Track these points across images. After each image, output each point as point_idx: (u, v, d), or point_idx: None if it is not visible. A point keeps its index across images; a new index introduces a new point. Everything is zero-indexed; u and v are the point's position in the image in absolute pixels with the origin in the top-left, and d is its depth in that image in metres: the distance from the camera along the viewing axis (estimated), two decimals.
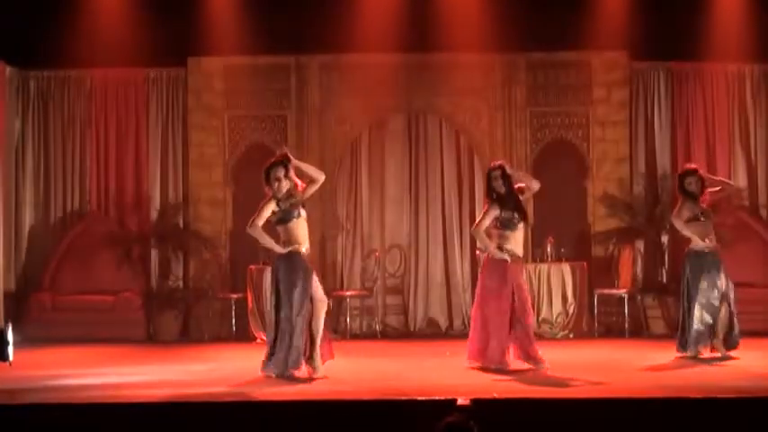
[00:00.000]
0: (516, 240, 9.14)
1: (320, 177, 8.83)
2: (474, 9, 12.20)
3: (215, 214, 12.70)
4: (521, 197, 9.19)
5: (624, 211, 12.46)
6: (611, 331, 12.13)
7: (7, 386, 8.25)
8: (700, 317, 9.53)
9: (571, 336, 11.87)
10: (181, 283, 12.68)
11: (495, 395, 7.39)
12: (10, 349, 8.86)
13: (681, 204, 9.73)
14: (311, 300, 8.65)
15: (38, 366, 9.47)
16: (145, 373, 9.13)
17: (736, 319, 9.64)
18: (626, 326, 11.96)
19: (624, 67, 12.67)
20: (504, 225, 9.09)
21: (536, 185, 9.28)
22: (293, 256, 8.62)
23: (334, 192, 12.78)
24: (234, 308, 12.19)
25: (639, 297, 12.24)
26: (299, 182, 8.77)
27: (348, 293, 12.38)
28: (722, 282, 9.60)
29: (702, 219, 9.66)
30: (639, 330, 12.08)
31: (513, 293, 9.01)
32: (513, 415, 6.74)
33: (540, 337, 10.43)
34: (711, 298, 9.56)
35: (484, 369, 8.92)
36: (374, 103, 12.74)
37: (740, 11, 12.24)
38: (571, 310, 12.01)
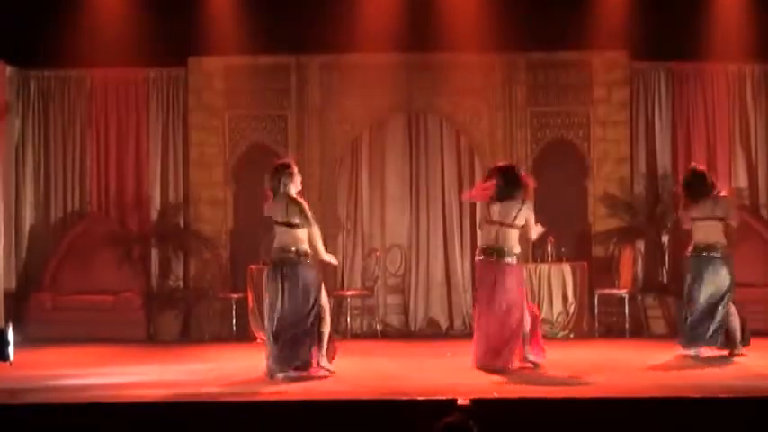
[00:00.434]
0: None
1: None
2: (474, 9, 12.20)
3: (215, 214, 12.70)
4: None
5: (625, 211, 12.46)
6: (611, 331, 12.13)
7: (8, 386, 8.25)
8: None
9: (571, 336, 11.87)
10: (181, 283, 12.68)
11: (496, 395, 7.39)
12: (10, 349, 8.88)
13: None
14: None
15: (38, 366, 9.47)
16: (145, 373, 9.14)
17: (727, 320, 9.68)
18: (626, 326, 11.96)
19: (624, 67, 12.67)
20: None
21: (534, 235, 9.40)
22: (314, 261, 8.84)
23: (334, 191, 12.78)
24: (234, 308, 12.19)
25: (640, 297, 12.24)
26: None
27: (348, 293, 12.38)
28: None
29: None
30: (640, 330, 12.08)
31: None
32: (513, 415, 6.74)
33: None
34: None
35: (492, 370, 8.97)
36: (374, 102, 12.75)
37: (740, 11, 12.24)
38: (571, 310, 12.01)
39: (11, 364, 8.87)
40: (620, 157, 12.64)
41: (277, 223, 8.83)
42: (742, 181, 12.65)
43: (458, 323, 12.61)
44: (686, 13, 12.01)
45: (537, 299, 11.79)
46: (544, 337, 11.16)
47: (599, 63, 12.67)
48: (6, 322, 10.48)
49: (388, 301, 12.80)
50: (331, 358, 8.84)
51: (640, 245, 12.55)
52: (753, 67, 12.70)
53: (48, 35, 12.11)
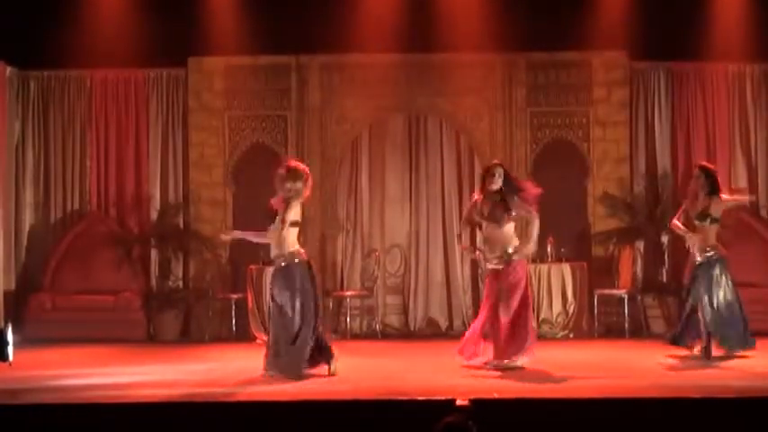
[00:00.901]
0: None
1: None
2: (474, 9, 12.21)
3: (215, 214, 12.70)
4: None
5: (624, 211, 12.46)
6: (611, 331, 12.13)
7: (8, 386, 8.25)
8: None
9: (571, 336, 11.88)
10: (181, 284, 12.68)
11: (495, 395, 7.39)
12: (10, 349, 8.86)
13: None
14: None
15: (38, 366, 9.47)
16: (145, 373, 9.14)
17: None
18: (626, 326, 11.95)
19: (624, 67, 12.67)
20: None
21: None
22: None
23: (334, 192, 12.78)
24: (234, 308, 12.19)
25: (639, 297, 12.24)
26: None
27: (348, 293, 12.38)
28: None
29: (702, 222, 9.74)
30: (639, 330, 12.07)
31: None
32: (513, 415, 6.75)
33: (540, 336, 10.46)
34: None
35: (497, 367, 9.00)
36: (374, 103, 12.75)
37: (740, 11, 12.24)
38: (571, 310, 12.02)
39: (10, 364, 8.86)
40: (620, 157, 12.64)
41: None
42: (742, 181, 12.65)
43: (457, 323, 12.61)
44: (686, 13, 12.01)
45: (537, 299, 11.79)
46: (544, 337, 11.22)
47: (599, 63, 12.67)
48: (6, 322, 10.47)
49: (388, 302, 12.80)
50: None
51: (640, 245, 12.55)
52: (753, 67, 12.71)
53: (48, 35, 12.11)
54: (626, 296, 12.00)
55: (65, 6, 12.20)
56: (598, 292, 12.12)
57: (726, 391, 7.57)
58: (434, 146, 12.94)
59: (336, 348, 8.93)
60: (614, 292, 12.12)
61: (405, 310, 12.81)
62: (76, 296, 12.19)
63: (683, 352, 9.74)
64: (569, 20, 12.07)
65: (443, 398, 6.93)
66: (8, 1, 11.80)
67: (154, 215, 12.77)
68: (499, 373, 8.80)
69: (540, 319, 11.84)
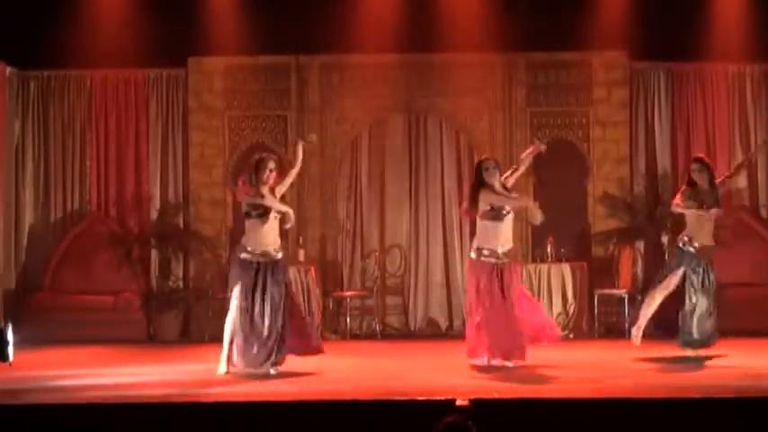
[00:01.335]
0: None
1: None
2: (474, 9, 12.20)
3: (215, 214, 12.70)
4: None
5: (624, 211, 12.46)
6: (611, 331, 12.12)
7: (8, 386, 8.25)
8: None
9: (571, 336, 11.86)
10: (181, 284, 12.68)
11: (495, 395, 7.39)
12: (10, 349, 8.86)
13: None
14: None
15: (38, 366, 9.47)
16: (145, 373, 9.13)
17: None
18: (626, 326, 11.92)
19: (624, 67, 12.67)
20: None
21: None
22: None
23: (334, 192, 12.78)
24: None
25: (640, 297, 12.20)
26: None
27: (348, 293, 12.38)
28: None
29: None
30: None
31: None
32: (512, 415, 6.74)
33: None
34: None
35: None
36: (374, 103, 12.75)
37: (740, 11, 12.24)
38: (571, 310, 12.02)
39: (10, 364, 8.86)
40: (620, 157, 12.64)
41: None
42: (742, 181, 12.63)
43: (457, 323, 12.58)
44: (686, 13, 12.00)
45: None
46: None
47: (599, 63, 12.67)
48: (6, 322, 10.45)
49: (388, 302, 12.79)
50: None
51: (640, 245, 12.55)
52: (753, 67, 12.70)
53: (48, 35, 12.10)
54: (626, 296, 12.00)
55: (65, 6, 12.19)
56: (598, 292, 12.12)
57: (726, 391, 7.57)
58: (434, 146, 12.93)
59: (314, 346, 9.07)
60: (614, 292, 12.12)
61: (405, 311, 12.80)
62: (76, 296, 12.18)
63: (690, 352, 9.71)
64: (569, 20, 12.06)
65: (443, 398, 6.93)
66: (8, 1, 11.80)
67: (154, 215, 12.76)
68: (499, 373, 8.80)
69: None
